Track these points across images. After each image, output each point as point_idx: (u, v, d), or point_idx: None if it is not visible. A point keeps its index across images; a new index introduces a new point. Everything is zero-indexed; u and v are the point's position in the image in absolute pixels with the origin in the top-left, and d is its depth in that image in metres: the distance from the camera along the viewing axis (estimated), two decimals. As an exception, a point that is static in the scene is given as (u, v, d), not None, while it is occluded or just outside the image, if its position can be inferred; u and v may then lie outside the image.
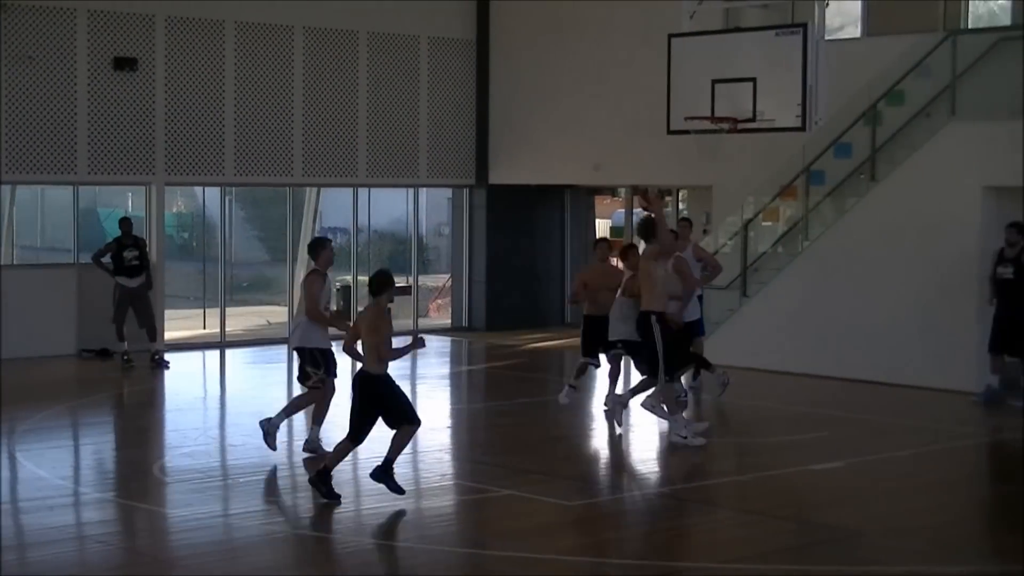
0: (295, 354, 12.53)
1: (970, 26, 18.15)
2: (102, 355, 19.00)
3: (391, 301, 10.93)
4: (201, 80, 20.10)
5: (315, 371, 12.29)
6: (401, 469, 12.32)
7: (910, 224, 16.61)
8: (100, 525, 10.29)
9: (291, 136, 20.99)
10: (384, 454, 10.79)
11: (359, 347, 10.84)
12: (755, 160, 18.34)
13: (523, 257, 23.28)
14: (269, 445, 12.23)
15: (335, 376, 12.40)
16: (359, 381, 10.67)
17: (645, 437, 13.94)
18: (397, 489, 10.72)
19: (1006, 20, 18.19)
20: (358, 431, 10.73)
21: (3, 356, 17.82)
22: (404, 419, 10.74)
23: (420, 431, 14.37)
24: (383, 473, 10.75)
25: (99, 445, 13.82)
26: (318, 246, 12.48)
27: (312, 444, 12.39)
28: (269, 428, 12.31)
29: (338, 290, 24.42)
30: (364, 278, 23.70)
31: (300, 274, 24.01)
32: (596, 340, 14.41)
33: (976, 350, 15.82)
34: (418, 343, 10.89)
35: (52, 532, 9.72)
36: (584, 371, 15.01)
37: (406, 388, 17.74)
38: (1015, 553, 9.71)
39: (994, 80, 16.88)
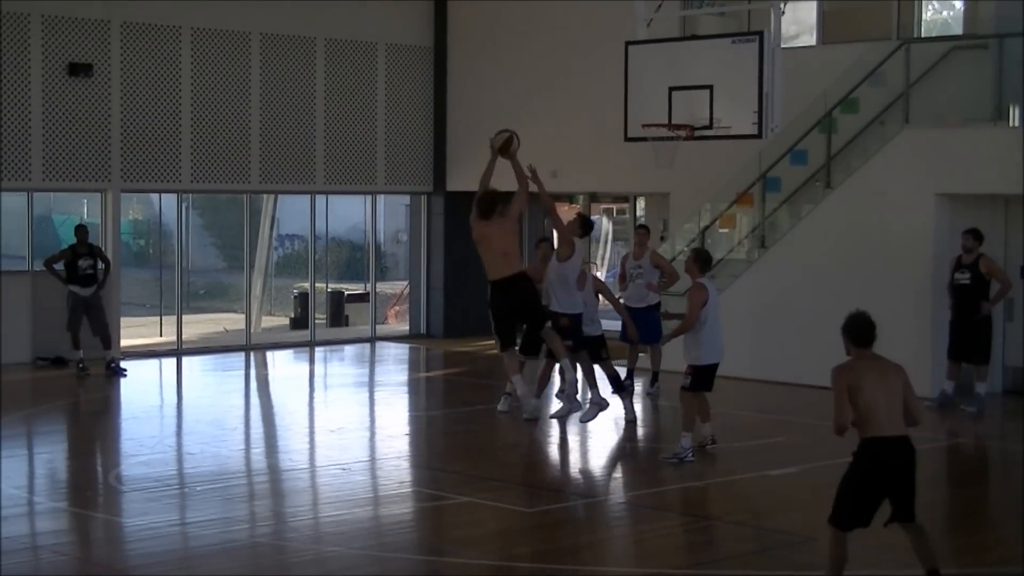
0: None
1: (923, 35, 18.34)
2: (57, 363, 18.88)
3: None
4: (157, 86, 20.00)
5: None
6: (358, 476, 12.35)
7: (865, 231, 16.75)
8: (55, 535, 10.22)
9: (248, 143, 20.92)
10: None
11: None
12: (712, 167, 18.43)
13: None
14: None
15: None
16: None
17: (602, 444, 13.99)
18: None
19: (958, 29, 18.39)
20: None
21: (-44, 364, 17.69)
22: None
23: (378, 438, 14.48)
24: None
25: (54, 454, 13.72)
26: None
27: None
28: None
29: (295, 297, 24.38)
30: (322, 285, 23.69)
31: (257, 281, 23.97)
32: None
33: (930, 356, 15.97)
34: None
35: (6, 543, 9.61)
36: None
37: (364, 395, 17.88)
38: (968, 556, 9.81)
39: (947, 88, 17.06)
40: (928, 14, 18.68)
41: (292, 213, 25.67)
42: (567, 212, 26.90)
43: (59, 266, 18.23)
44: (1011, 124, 16.10)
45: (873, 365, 8.06)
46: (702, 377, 12.64)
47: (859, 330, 8.14)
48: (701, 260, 12.74)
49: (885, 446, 7.95)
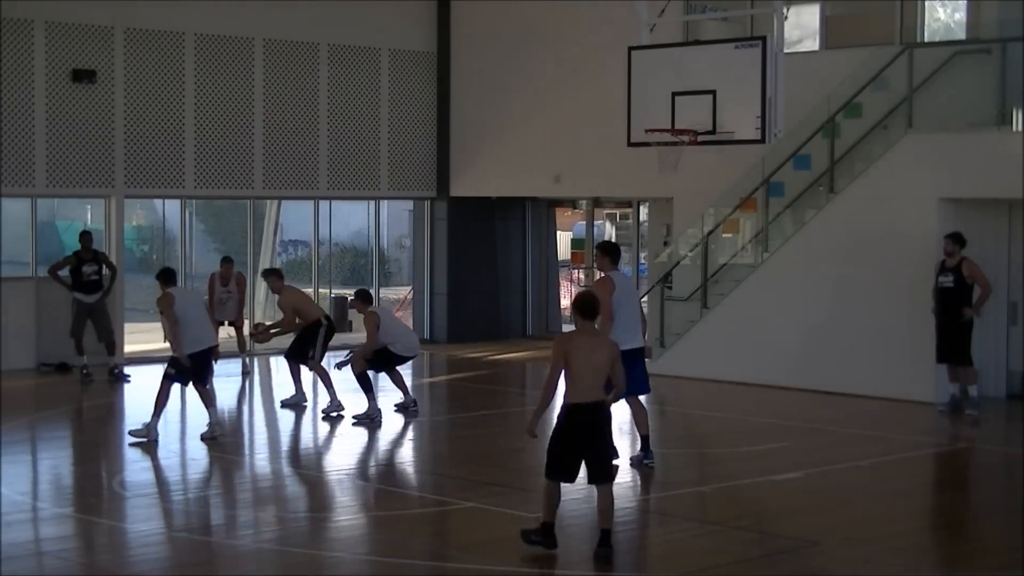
0: None
1: (926, 39, 18.33)
2: (61, 369, 18.88)
3: None
4: (161, 92, 20.02)
5: None
6: (361, 481, 12.34)
7: (868, 235, 16.74)
8: (59, 541, 10.22)
9: (251, 148, 20.94)
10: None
11: None
12: (715, 172, 18.42)
13: (484, 269, 23.29)
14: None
15: None
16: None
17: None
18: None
19: (961, 34, 18.39)
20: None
21: (-40, 370, 17.69)
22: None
23: (382, 444, 14.48)
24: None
25: (58, 460, 13.72)
26: None
27: None
28: None
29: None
30: (325, 291, 23.67)
31: (261, 287, 23.94)
32: None
33: (935, 360, 15.94)
34: None
35: (10, 549, 9.62)
36: None
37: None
38: (971, 561, 9.80)
39: (950, 93, 17.05)
40: (940, 13, 18.66)
41: (295, 219, 25.69)
42: (570, 217, 26.91)
43: (63, 272, 18.25)
44: (1015, 129, 16.08)
45: (588, 340, 9.51)
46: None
47: (584, 306, 9.57)
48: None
49: (580, 410, 9.42)
